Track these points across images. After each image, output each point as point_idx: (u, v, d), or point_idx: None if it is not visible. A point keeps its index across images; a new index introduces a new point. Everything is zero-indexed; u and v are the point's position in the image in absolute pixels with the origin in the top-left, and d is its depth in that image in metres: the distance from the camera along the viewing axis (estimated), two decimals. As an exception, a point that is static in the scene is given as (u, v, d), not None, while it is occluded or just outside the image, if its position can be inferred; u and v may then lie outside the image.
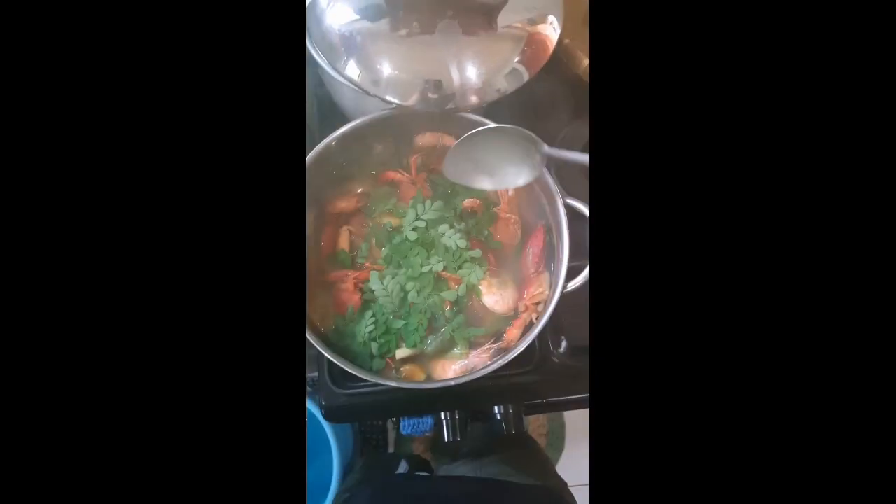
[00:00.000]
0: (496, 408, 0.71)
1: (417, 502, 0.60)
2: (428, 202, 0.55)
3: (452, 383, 0.48)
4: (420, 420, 0.70)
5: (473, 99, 0.50)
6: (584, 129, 0.61)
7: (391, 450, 1.35)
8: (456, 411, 0.66)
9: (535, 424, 1.39)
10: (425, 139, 0.58)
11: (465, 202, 0.55)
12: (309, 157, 0.52)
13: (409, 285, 0.53)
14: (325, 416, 0.58)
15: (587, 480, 0.32)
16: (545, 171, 0.52)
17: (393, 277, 0.53)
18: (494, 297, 0.53)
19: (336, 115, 0.65)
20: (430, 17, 0.48)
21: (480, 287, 0.53)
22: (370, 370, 0.51)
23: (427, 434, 1.30)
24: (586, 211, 0.51)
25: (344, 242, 0.56)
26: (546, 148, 0.44)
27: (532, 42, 0.51)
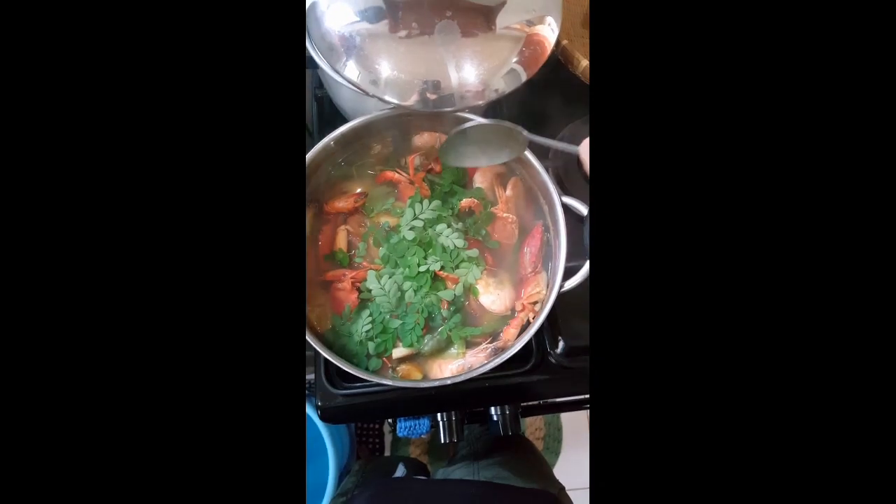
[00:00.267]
0: (493, 409, 0.71)
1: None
2: (426, 202, 0.55)
3: (449, 382, 0.48)
4: (417, 422, 0.69)
5: (471, 99, 0.50)
6: (583, 129, 0.62)
7: (387, 452, 1.35)
8: (453, 412, 0.66)
9: (532, 428, 1.39)
10: (423, 139, 0.58)
11: (462, 202, 0.56)
12: (308, 157, 0.53)
13: (407, 285, 0.53)
14: (322, 417, 0.58)
15: (585, 484, 0.31)
16: (543, 171, 0.53)
17: (390, 277, 0.53)
18: (491, 297, 0.53)
19: (335, 116, 0.65)
20: (429, 17, 0.48)
21: (478, 286, 0.53)
22: (367, 369, 0.51)
23: (423, 436, 1.30)
24: (584, 210, 0.51)
25: (342, 242, 0.56)
26: (525, 133, 0.48)
27: (530, 43, 0.51)
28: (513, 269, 0.56)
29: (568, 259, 0.50)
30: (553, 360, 0.58)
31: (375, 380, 0.49)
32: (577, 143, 0.64)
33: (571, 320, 0.57)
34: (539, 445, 1.36)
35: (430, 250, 0.53)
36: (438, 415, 0.66)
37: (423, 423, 0.70)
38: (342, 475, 1.02)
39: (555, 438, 1.39)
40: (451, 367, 0.52)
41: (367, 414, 0.76)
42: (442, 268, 0.53)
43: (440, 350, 0.53)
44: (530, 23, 0.52)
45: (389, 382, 0.49)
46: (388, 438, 1.36)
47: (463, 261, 0.53)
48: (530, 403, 0.83)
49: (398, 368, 0.52)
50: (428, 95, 0.49)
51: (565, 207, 0.52)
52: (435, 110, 0.50)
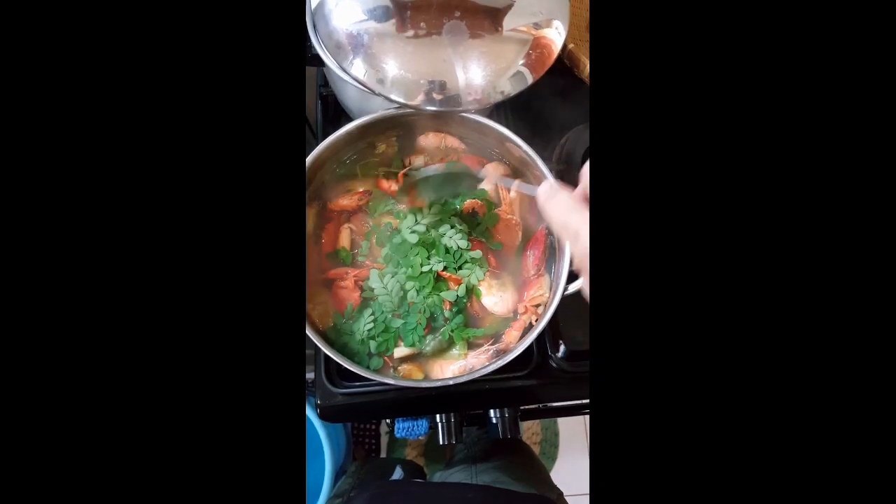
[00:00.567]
0: (493, 412, 0.71)
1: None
2: (425, 209, 0.55)
3: (451, 383, 0.48)
4: (415, 422, 0.69)
5: (478, 100, 0.50)
6: (586, 134, 0.62)
7: (383, 453, 1.34)
8: (452, 414, 0.66)
9: (529, 433, 1.38)
10: (428, 139, 0.58)
11: (466, 203, 0.56)
12: (312, 155, 0.53)
13: (409, 284, 0.52)
14: (321, 416, 0.58)
15: (581, 490, 0.31)
16: (549, 174, 0.53)
17: (393, 276, 0.53)
18: (494, 299, 0.53)
19: (340, 114, 0.65)
20: (437, 18, 0.48)
21: (480, 288, 0.53)
22: (368, 368, 0.51)
23: (421, 438, 1.30)
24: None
25: (345, 240, 0.56)
26: (482, 172, 0.57)
27: (537, 46, 0.51)
28: (516, 271, 0.55)
29: (571, 263, 0.50)
30: (553, 364, 0.58)
31: (376, 379, 0.49)
32: (581, 145, 0.64)
33: (572, 324, 0.57)
34: (535, 450, 1.36)
35: (434, 251, 0.53)
36: (437, 416, 0.66)
37: (422, 424, 0.70)
38: (338, 476, 1.02)
39: (552, 444, 1.38)
40: (452, 368, 0.52)
41: (366, 413, 0.76)
42: (445, 268, 0.53)
43: (442, 351, 0.53)
44: (537, 26, 0.52)
45: (390, 382, 0.49)
46: (384, 439, 1.36)
47: (466, 262, 0.53)
48: (529, 407, 0.83)
49: (399, 368, 0.52)
50: (434, 95, 0.49)
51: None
52: (440, 110, 0.50)
